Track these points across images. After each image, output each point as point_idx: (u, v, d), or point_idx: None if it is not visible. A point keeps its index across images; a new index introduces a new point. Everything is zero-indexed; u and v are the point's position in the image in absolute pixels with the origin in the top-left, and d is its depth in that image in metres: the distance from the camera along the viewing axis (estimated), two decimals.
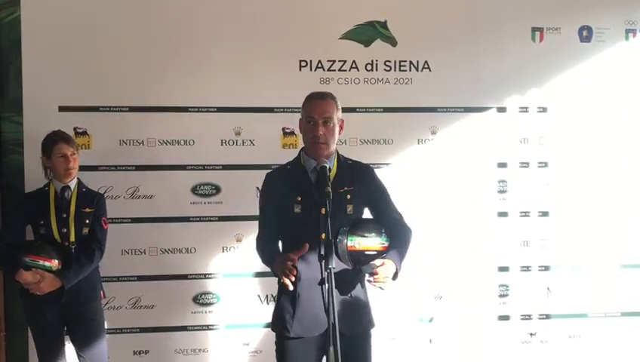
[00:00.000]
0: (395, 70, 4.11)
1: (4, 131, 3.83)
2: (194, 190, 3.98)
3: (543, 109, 4.23)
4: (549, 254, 4.24)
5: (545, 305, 4.25)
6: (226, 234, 4.00)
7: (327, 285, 2.48)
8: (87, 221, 3.44)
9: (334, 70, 4.06)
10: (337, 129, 2.78)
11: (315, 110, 2.73)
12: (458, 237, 4.14)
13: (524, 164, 4.23)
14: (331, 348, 2.44)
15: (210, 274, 4.01)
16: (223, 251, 4.01)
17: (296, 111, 2.89)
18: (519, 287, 4.23)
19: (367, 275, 2.60)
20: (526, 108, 4.21)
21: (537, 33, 4.21)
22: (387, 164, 4.09)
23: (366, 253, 2.62)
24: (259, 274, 3.94)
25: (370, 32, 4.09)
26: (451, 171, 4.14)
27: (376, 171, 2.93)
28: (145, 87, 3.91)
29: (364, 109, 4.06)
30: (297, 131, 2.99)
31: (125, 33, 3.89)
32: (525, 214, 4.23)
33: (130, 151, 3.92)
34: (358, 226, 2.67)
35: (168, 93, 3.93)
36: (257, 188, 3.11)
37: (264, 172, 2.92)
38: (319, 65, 4.05)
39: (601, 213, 4.25)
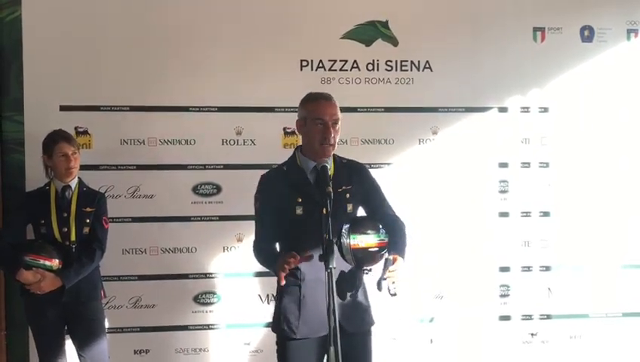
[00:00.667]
0: (396, 70, 4.11)
1: (5, 130, 3.83)
2: (195, 189, 3.98)
3: (545, 109, 4.22)
4: (550, 254, 4.24)
5: (546, 305, 4.25)
6: (227, 233, 3.99)
7: (327, 285, 2.47)
8: (88, 220, 3.44)
9: (335, 70, 4.06)
10: None
11: (326, 112, 2.70)
12: (459, 237, 4.13)
13: (526, 164, 4.22)
14: (332, 348, 2.44)
15: (211, 273, 4.01)
16: (224, 251, 4.01)
17: (297, 111, 2.82)
18: (520, 287, 4.22)
19: (381, 273, 2.56)
20: (527, 108, 4.21)
21: (539, 33, 4.21)
22: (388, 163, 4.08)
23: (369, 249, 2.62)
24: (259, 274, 3.92)
25: (371, 32, 4.09)
26: (452, 171, 4.14)
27: (377, 171, 2.94)
28: (146, 87, 3.91)
29: (365, 109, 4.06)
30: None
31: (126, 33, 3.89)
32: (526, 214, 4.22)
33: (131, 151, 3.92)
34: (357, 224, 2.66)
35: (169, 93, 3.93)
36: None
37: (265, 172, 2.89)
38: (320, 65, 4.05)
39: (602, 214, 4.24)
